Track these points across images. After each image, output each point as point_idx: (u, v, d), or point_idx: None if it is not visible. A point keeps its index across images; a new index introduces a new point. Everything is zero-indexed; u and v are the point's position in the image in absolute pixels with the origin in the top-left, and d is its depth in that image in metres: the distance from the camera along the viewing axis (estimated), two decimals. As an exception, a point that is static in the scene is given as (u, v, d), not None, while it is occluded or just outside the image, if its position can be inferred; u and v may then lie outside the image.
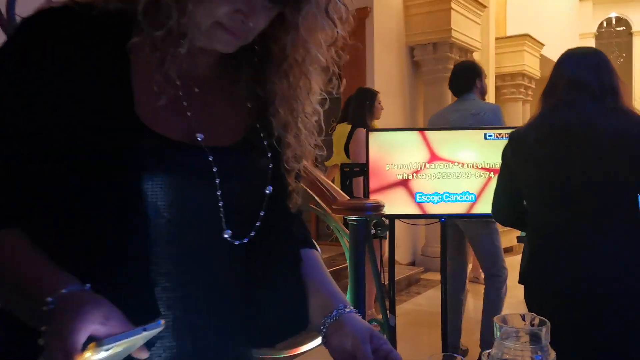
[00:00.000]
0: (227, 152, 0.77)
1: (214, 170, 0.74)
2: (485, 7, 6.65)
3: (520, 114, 8.49)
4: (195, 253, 0.75)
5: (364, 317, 1.90)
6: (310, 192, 1.95)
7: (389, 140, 2.75)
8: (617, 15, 13.57)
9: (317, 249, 0.96)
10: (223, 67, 0.82)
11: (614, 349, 1.58)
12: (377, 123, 4.94)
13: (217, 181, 0.75)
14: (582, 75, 1.65)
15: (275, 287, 0.83)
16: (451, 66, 6.03)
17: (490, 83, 8.01)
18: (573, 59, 1.73)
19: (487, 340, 3.20)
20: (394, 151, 2.71)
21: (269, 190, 0.81)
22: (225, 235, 0.76)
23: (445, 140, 2.75)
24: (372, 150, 2.67)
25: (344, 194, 1.95)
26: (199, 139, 0.75)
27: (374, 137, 2.72)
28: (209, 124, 0.78)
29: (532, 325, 0.72)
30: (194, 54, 0.74)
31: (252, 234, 0.80)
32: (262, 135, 0.83)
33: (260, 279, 0.82)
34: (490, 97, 7.99)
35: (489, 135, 2.69)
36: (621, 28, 13.66)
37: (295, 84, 0.82)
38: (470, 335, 3.50)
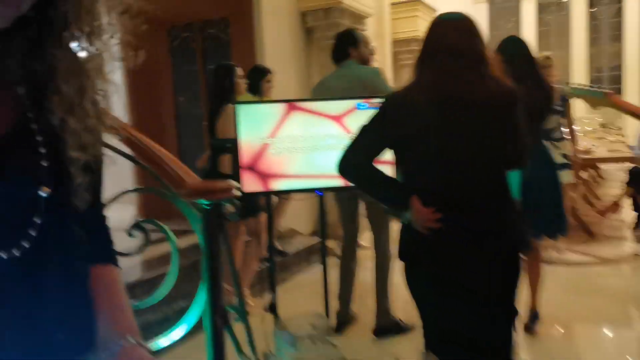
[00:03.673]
0: None
1: None
2: (375, -29, 6.61)
3: (417, 79, 8.67)
4: None
5: (217, 302, 1.81)
6: (157, 173, 1.80)
7: (260, 114, 2.64)
8: (507, -20, 14.12)
9: (117, 265, 0.85)
10: None
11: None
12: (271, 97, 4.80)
13: None
14: (459, 43, 1.66)
15: (55, 308, 0.71)
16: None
17: (388, 49, 8.08)
18: (448, 25, 1.72)
19: (381, 308, 3.27)
20: (265, 125, 2.61)
21: (44, 193, 0.68)
22: None
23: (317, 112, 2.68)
24: (242, 125, 2.55)
25: (195, 175, 1.81)
26: None
27: (243, 111, 2.60)
28: None
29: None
30: None
31: (26, 245, 0.67)
32: (35, 126, 0.70)
33: (38, 298, 0.69)
34: (388, 63, 8.07)
35: (362, 105, 2.66)
36: (511, -7, 14.25)
37: (81, 57, 0.71)
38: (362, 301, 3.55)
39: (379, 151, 1.74)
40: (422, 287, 1.73)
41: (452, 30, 1.68)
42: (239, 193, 1.82)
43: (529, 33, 13.94)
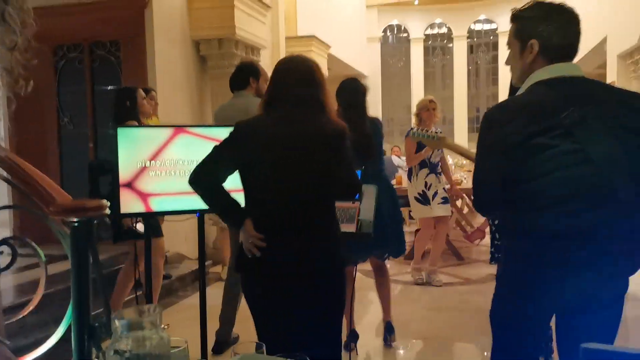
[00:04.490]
0: None
1: None
2: (269, 7, 6.91)
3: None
4: None
5: (83, 319, 1.85)
6: (27, 191, 1.82)
7: (143, 137, 2.71)
8: (397, 23, 15.17)
9: None
10: None
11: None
12: (159, 119, 4.85)
13: None
14: (300, 93, 1.92)
15: None
16: (237, 62, 6.17)
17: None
18: (292, 76, 1.96)
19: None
20: (147, 148, 2.69)
21: None
22: None
23: (199, 137, 2.81)
24: (122, 147, 2.61)
25: (65, 194, 1.86)
26: None
27: (124, 134, 2.66)
28: None
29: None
30: None
31: None
32: None
33: None
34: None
35: (241, 133, 2.83)
36: (403, 35, 15.32)
37: None
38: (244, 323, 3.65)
39: (226, 171, 1.97)
40: (254, 298, 1.99)
41: (294, 81, 1.94)
42: (108, 212, 1.89)
43: (417, 73, 15.03)
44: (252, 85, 3.49)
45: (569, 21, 1.61)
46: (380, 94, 15.11)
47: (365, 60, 14.25)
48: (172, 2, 5.67)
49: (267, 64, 7.65)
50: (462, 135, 14.17)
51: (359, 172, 2.51)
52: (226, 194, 1.96)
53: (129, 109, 3.76)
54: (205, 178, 1.96)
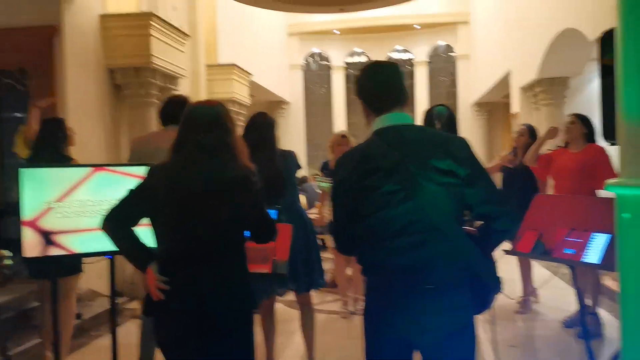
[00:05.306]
0: None
1: None
2: (188, 36, 6.87)
3: (232, 137, 8.99)
4: None
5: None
6: None
7: (50, 177, 2.62)
8: (319, 51, 15.52)
9: None
10: None
11: None
12: (72, 149, 4.64)
13: None
14: (206, 138, 1.96)
15: None
16: (155, 91, 6.06)
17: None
18: (198, 122, 2.01)
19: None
20: (56, 188, 2.60)
21: None
22: None
23: (112, 175, 2.75)
24: (27, 188, 2.50)
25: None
26: None
27: (27, 174, 2.55)
28: None
29: None
30: None
31: None
32: None
33: None
34: (203, 121, 8.28)
35: (154, 171, 2.78)
36: (324, 62, 15.67)
37: None
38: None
39: (137, 214, 2.00)
40: (162, 341, 2.00)
41: (202, 127, 1.99)
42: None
43: (338, 99, 15.40)
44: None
45: (377, 74, 1.81)
46: (304, 120, 15.33)
47: (288, 87, 14.43)
48: (84, 28, 5.49)
49: (187, 92, 7.56)
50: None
51: (275, 212, 2.54)
52: (134, 239, 1.99)
53: (61, 140, 3.64)
54: (115, 223, 1.99)
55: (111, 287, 2.83)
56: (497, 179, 6.03)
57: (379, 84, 1.79)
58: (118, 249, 2.05)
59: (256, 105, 11.62)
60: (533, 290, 5.01)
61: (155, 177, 1.99)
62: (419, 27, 14.56)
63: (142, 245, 1.99)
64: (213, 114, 2.02)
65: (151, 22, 5.74)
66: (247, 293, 2.01)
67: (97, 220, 2.67)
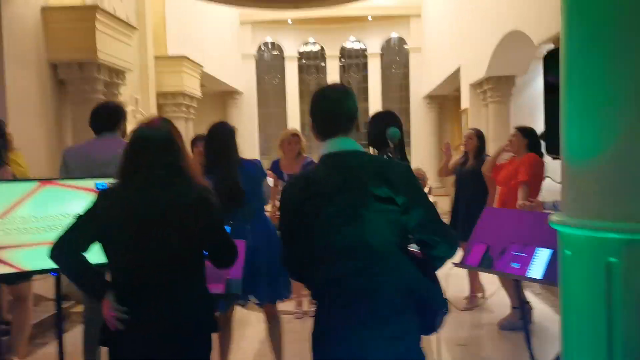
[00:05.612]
0: None
1: None
2: (135, 28, 6.64)
3: (183, 131, 8.80)
4: None
5: None
6: None
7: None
8: (271, 40, 15.35)
9: None
10: None
11: None
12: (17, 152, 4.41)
13: None
14: (155, 161, 1.92)
15: None
16: (100, 87, 5.85)
17: (152, 102, 8.08)
18: (148, 144, 1.95)
19: None
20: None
21: None
22: None
23: (59, 191, 2.66)
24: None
25: None
26: None
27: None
28: None
29: None
30: None
31: None
32: None
33: None
34: (153, 114, 8.08)
35: (101, 184, 2.69)
36: (275, 52, 15.51)
37: None
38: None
39: (88, 240, 1.92)
40: None
41: (151, 150, 1.93)
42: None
43: (292, 89, 15.31)
44: (120, 126, 3.37)
45: (324, 101, 1.83)
46: (257, 111, 15.16)
47: (240, 77, 14.21)
48: (24, 21, 5.22)
49: (135, 86, 7.35)
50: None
51: (229, 228, 2.50)
52: (87, 268, 1.93)
53: (1, 146, 3.46)
54: (65, 251, 1.91)
55: (56, 291, 2.74)
56: (450, 181, 6.14)
57: (325, 111, 1.81)
58: (70, 279, 1.97)
59: (207, 96, 11.42)
60: (480, 287, 5.18)
61: (107, 202, 1.92)
62: (371, 19, 14.61)
63: (96, 274, 1.93)
64: (163, 136, 1.96)
65: (96, 15, 5.51)
66: (209, 317, 2.00)
67: (41, 236, 2.60)
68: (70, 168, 3.28)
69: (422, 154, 14.06)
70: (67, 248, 1.91)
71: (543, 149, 4.06)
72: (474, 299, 5.08)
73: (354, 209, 1.67)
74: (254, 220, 3.25)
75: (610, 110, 1.49)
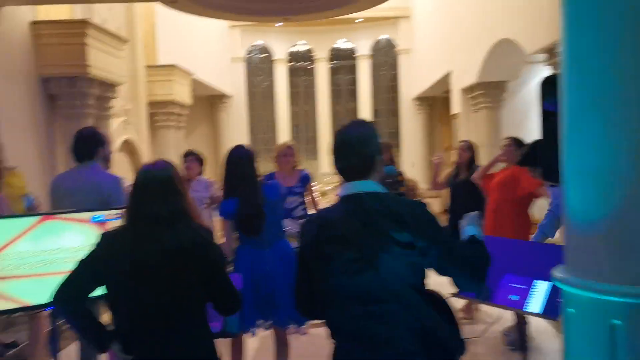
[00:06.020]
0: None
1: None
2: (126, 41, 6.58)
3: (173, 140, 8.75)
4: None
5: None
6: None
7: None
8: (262, 43, 15.28)
9: None
10: None
11: None
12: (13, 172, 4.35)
13: None
14: (154, 208, 1.90)
15: None
16: (92, 101, 5.80)
17: (143, 110, 8.03)
18: (147, 191, 1.94)
19: None
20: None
21: None
22: None
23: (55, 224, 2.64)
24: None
25: None
26: None
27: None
28: None
29: None
30: None
31: None
32: None
33: None
34: (144, 124, 8.02)
35: (97, 217, 2.67)
36: (265, 55, 15.44)
37: None
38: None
39: (91, 286, 1.91)
40: None
41: (153, 195, 1.92)
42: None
43: (281, 92, 15.26)
44: (99, 154, 3.33)
45: (341, 147, 1.79)
46: (247, 114, 15.10)
47: (229, 80, 14.14)
48: (13, 36, 5.16)
49: (125, 96, 7.29)
50: (325, 151, 14.69)
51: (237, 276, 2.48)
52: (90, 318, 1.92)
53: None
54: (68, 298, 1.89)
55: (52, 345, 2.71)
56: (445, 193, 6.15)
57: (341, 157, 1.78)
58: (73, 328, 1.96)
59: (196, 100, 11.33)
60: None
61: (109, 247, 1.92)
62: (361, 20, 14.58)
63: (100, 325, 1.93)
64: (165, 180, 1.95)
65: (86, 30, 5.45)
66: (212, 357, 1.99)
67: (37, 269, 2.58)
68: (52, 198, 3.28)
69: (412, 156, 14.10)
70: (69, 294, 1.90)
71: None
72: (471, 310, 5.10)
73: (375, 253, 1.65)
74: (274, 245, 3.24)
75: (614, 173, 1.51)
